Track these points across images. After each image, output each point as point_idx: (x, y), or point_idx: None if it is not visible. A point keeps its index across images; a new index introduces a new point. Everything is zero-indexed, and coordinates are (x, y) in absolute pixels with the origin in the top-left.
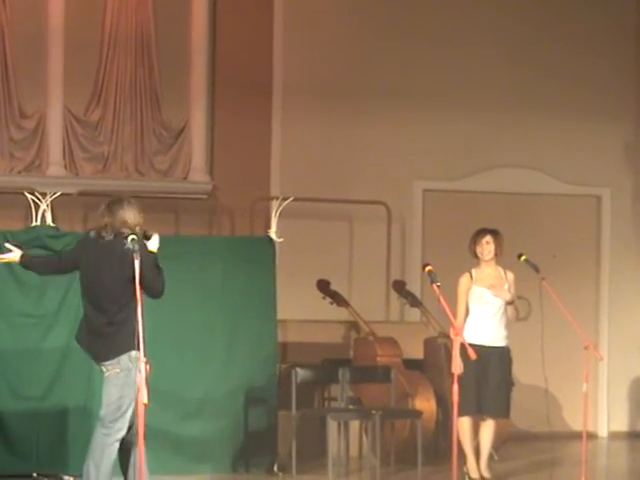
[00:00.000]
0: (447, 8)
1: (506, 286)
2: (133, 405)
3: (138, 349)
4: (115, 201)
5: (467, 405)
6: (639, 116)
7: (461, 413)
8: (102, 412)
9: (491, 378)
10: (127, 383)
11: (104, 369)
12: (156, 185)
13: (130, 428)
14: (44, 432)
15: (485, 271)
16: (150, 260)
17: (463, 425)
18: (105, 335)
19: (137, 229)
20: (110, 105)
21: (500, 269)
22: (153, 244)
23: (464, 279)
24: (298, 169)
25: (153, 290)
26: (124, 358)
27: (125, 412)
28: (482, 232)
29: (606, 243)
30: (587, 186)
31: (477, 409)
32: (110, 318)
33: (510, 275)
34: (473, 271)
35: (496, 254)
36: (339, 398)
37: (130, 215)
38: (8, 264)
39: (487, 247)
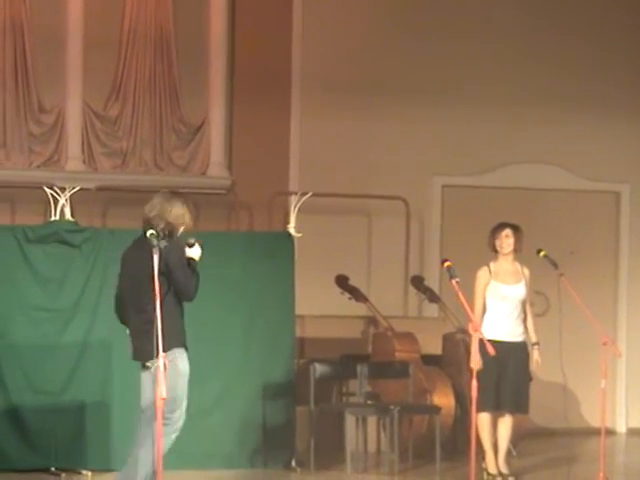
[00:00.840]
0: (467, 2)
1: (523, 282)
2: (186, 397)
3: (181, 345)
4: (165, 192)
5: (487, 401)
6: None
7: (481, 409)
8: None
9: (511, 374)
10: (174, 374)
11: (149, 364)
12: (175, 180)
13: None
14: (62, 427)
15: (503, 266)
16: (180, 260)
17: (482, 421)
18: (146, 332)
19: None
20: (129, 100)
21: (517, 265)
22: (194, 252)
23: (482, 273)
24: (317, 164)
25: (183, 291)
26: (173, 351)
27: (182, 401)
28: (502, 226)
29: (625, 239)
30: (606, 182)
31: (495, 405)
32: (149, 316)
33: (527, 271)
34: (491, 265)
35: (515, 249)
36: (357, 393)
37: (177, 210)
38: (26, 257)
39: (506, 241)
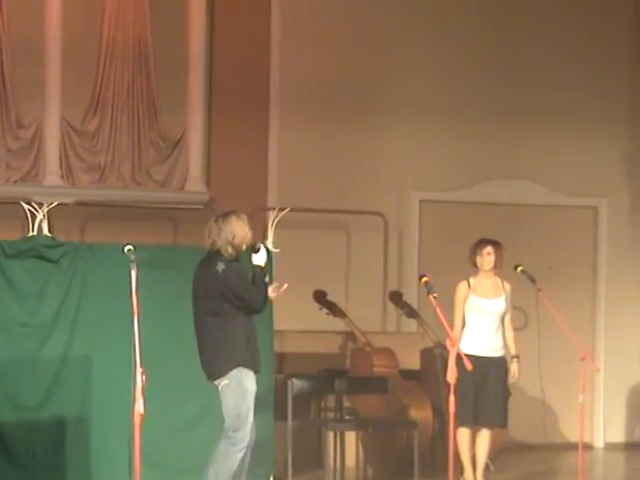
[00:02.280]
0: (445, 18)
1: (503, 296)
2: (251, 415)
3: (245, 365)
4: (220, 214)
5: (466, 416)
6: (636, 126)
7: (460, 424)
8: (225, 424)
9: (490, 389)
10: (240, 393)
11: (216, 382)
12: (153, 195)
13: None
14: (41, 442)
15: (483, 281)
16: (240, 281)
17: (462, 435)
18: (202, 353)
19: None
20: (107, 115)
21: (498, 279)
22: (259, 258)
23: (462, 287)
24: (295, 179)
25: (249, 309)
26: (235, 371)
27: (245, 421)
28: (483, 242)
29: (603, 254)
30: (584, 197)
31: (475, 420)
32: (203, 336)
33: (507, 286)
34: (471, 280)
35: (496, 265)
36: (335, 409)
37: (239, 231)
38: (3, 272)
39: (487, 258)
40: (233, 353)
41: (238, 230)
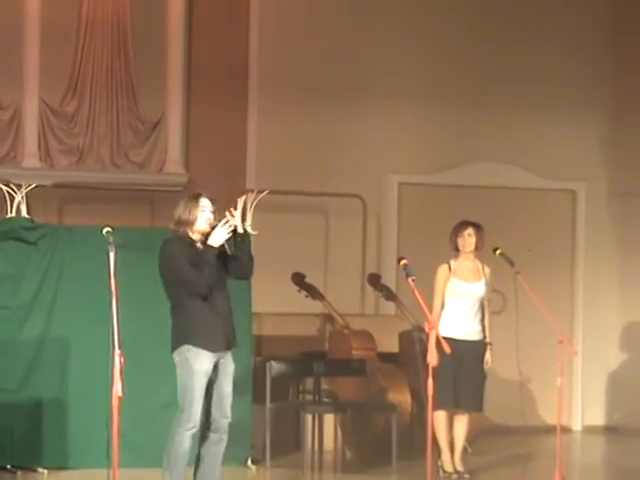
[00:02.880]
0: (424, 8)
1: (483, 280)
2: (198, 396)
3: (194, 343)
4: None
5: (444, 399)
6: (614, 110)
7: (437, 407)
8: None
9: (467, 372)
10: (186, 372)
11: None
12: (132, 177)
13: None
14: (18, 424)
15: (463, 264)
16: (173, 253)
17: (439, 419)
18: (171, 331)
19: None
20: (86, 97)
21: (478, 263)
22: (214, 237)
23: (443, 269)
24: (274, 162)
25: (191, 290)
26: (182, 349)
27: (191, 402)
28: (464, 224)
29: (581, 237)
30: (562, 180)
31: (454, 403)
32: (172, 314)
33: (487, 270)
34: (452, 262)
35: (476, 247)
36: (314, 391)
37: (177, 213)
38: None
39: (469, 239)
40: (183, 331)
41: (177, 213)
